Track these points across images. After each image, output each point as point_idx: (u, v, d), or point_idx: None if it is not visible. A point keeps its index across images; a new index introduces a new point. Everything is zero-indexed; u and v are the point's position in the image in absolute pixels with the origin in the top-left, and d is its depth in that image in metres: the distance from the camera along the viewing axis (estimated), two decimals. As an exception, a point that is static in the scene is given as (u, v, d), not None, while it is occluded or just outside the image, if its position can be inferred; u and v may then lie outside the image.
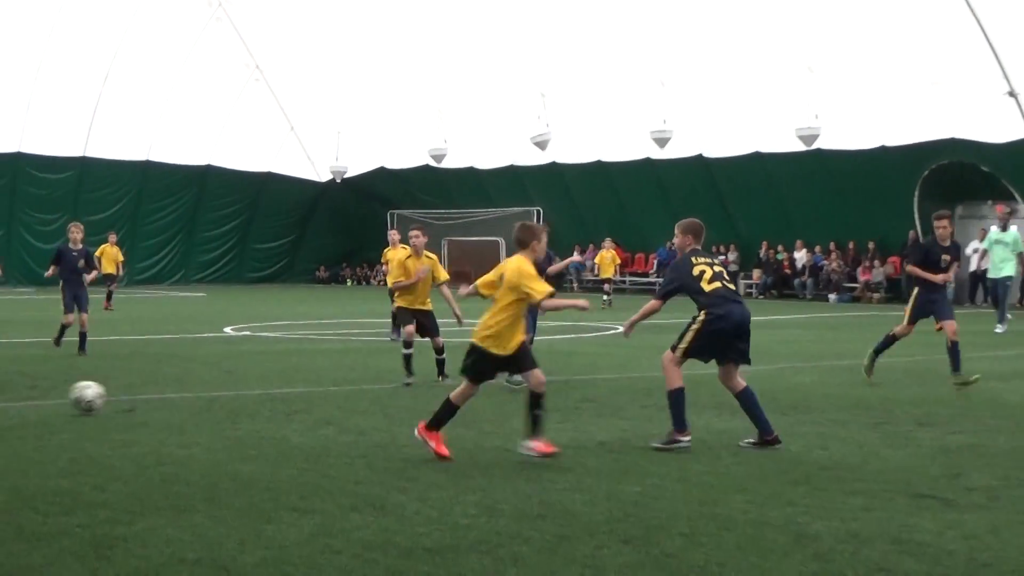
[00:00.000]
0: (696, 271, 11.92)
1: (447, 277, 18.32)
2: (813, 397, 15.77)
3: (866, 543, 8.00)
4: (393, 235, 24.35)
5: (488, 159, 53.88)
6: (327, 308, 37.40)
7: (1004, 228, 29.14)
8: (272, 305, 38.51)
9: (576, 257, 43.54)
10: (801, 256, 46.06)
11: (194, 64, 52.45)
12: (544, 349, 19.23)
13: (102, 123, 51.71)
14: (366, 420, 13.44)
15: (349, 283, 61.26)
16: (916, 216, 41.96)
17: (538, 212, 52.29)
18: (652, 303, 12.12)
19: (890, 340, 17.57)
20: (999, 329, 27.72)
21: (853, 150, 42.68)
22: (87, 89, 50.24)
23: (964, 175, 41.09)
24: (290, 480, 10.00)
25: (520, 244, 11.31)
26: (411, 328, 17.50)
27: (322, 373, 18.41)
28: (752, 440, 11.78)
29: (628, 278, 50.89)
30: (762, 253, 47.20)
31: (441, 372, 17.58)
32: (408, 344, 17.39)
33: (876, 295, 42.90)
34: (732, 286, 12.11)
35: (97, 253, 32.76)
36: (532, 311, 16.48)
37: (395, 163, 57.06)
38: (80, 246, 21.79)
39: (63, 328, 21.56)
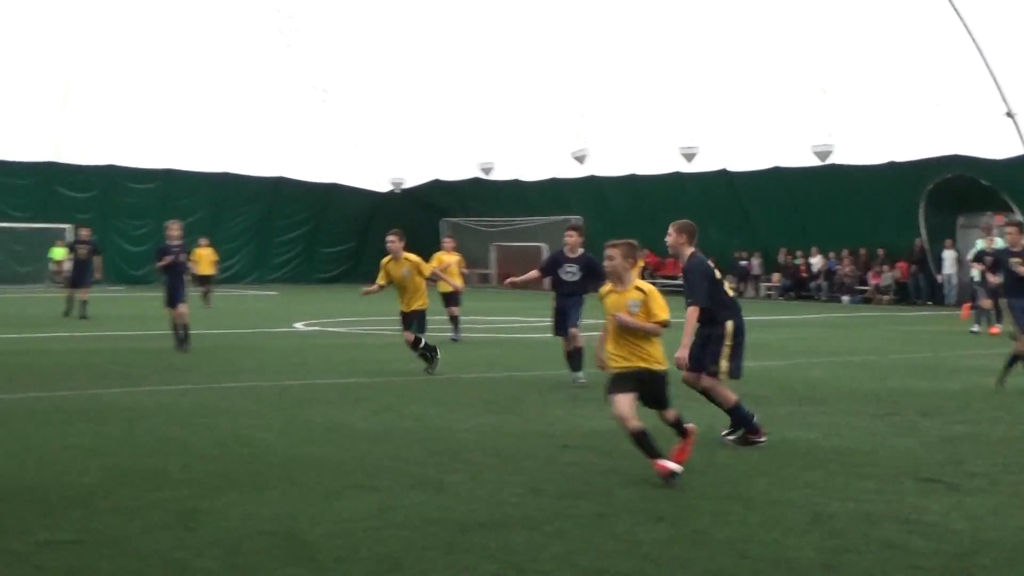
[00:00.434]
0: (716, 275, 11.04)
1: (429, 271, 17.98)
2: (827, 390, 15.65)
3: (878, 523, 7.95)
4: (447, 242, 24.27)
5: (532, 172, 53.89)
6: (387, 306, 37.26)
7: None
8: (338, 303, 38.55)
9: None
10: (816, 261, 45.72)
11: (268, 86, 52.71)
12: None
13: (185, 139, 52.06)
14: (423, 407, 13.45)
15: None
16: (922, 225, 41.69)
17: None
18: (694, 312, 10.62)
19: (1014, 359, 15.59)
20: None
21: (864, 165, 42.31)
22: (173, 108, 50.61)
23: (966, 189, 40.68)
24: (355, 461, 10.04)
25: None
26: (408, 337, 17.27)
27: (383, 364, 18.45)
28: (728, 431, 11.11)
29: (659, 281, 50.66)
30: (781, 258, 46.91)
31: (429, 363, 17.21)
32: (413, 346, 17.24)
33: (885, 297, 42.55)
34: None
35: (193, 258, 32.66)
36: (577, 305, 16.22)
37: (448, 175, 57.18)
38: (178, 242, 20.96)
39: (175, 324, 20.41)
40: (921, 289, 42.09)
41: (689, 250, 10.98)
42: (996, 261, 16.52)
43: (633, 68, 45.78)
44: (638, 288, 9.34)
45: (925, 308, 39.66)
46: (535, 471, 9.64)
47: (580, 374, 15.73)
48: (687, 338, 10.51)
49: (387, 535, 7.48)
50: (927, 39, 38.08)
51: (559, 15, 46.44)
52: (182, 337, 20.21)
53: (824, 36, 40.67)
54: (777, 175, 45.06)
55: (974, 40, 37.13)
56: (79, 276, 29.95)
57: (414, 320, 17.35)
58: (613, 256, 9.34)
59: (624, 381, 9.13)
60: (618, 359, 9.27)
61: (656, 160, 47.59)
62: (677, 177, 47.57)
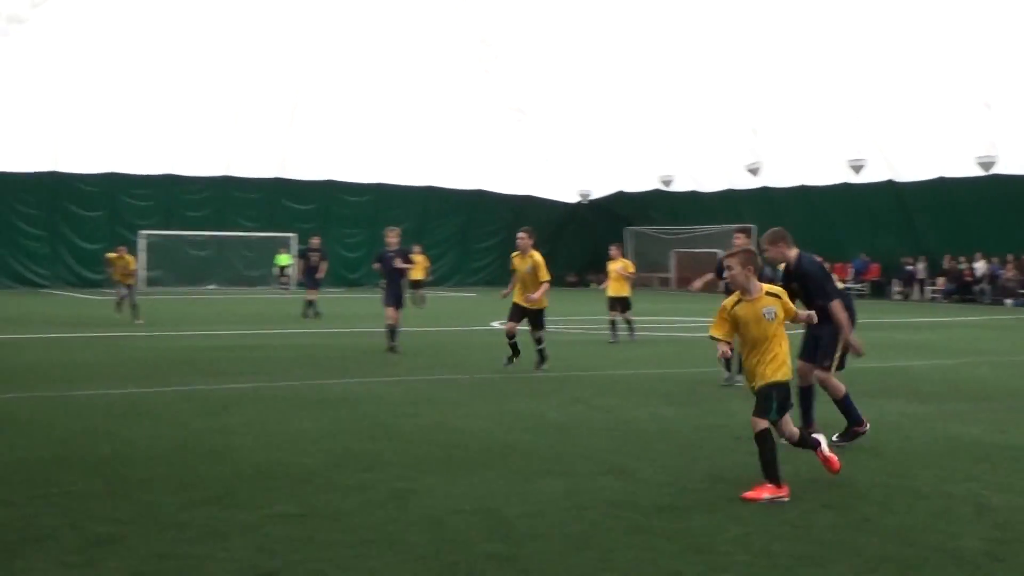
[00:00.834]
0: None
1: (545, 277, 17.20)
2: (991, 388, 15.11)
3: (1042, 515, 7.63)
4: (614, 251, 23.84)
5: (709, 183, 53.70)
6: (575, 307, 37.50)
7: None
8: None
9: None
10: (980, 266, 44.16)
11: (469, 109, 53.56)
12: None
13: (395, 156, 53.39)
14: (608, 399, 13.42)
15: (591, 286, 61.33)
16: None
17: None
18: (838, 305, 10.10)
19: None
20: None
21: (1028, 175, 40.95)
22: (386, 129, 51.97)
23: None
24: (547, 448, 10.07)
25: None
26: (511, 325, 16.89)
27: (570, 360, 18.46)
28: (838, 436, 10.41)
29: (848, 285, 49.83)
30: (945, 264, 45.50)
31: (541, 360, 16.89)
32: (509, 336, 16.89)
33: (1048, 301, 40.92)
34: None
35: None
36: None
37: (631, 187, 57.22)
38: (395, 248, 20.62)
39: (390, 328, 19.85)
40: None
41: (794, 251, 10.37)
42: None
43: (803, 86, 45.19)
44: (769, 293, 8.39)
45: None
46: (713, 460, 9.53)
47: (738, 376, 15.08)
48: (847, 329, 10.11)
49: (577, 516, 7.48)
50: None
51: (734, 40, 46.05)
52: (392, 336, 20.07)
53: (986, 54, 39.53)
54: (942, 185, 43.81)
55: None
56: (310, 279, 30.57)
57: (527, 315, 16.91)
58: (732, 266, 8.38)
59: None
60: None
61: (825, 171, 46.99)
62: (845, 188, 46.75)
